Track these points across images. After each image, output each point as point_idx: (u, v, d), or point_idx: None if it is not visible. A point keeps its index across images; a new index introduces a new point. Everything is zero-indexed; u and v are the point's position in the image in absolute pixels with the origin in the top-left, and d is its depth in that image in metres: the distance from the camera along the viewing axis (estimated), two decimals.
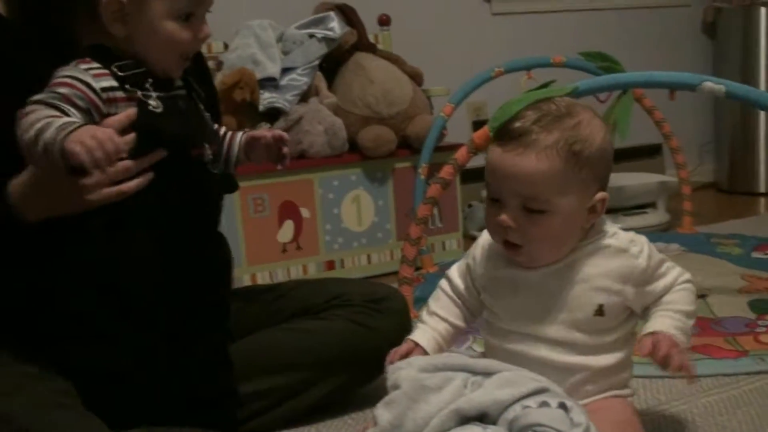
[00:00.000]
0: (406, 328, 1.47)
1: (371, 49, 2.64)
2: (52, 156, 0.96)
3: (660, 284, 1.13)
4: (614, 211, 2.79)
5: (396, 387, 1.06)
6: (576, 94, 1.65)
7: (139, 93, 1.07)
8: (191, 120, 1.13)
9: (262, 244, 2.33)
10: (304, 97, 2.47)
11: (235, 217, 2.28)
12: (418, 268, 2.29)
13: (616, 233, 1.14)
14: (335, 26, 2.51)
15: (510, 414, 0.98)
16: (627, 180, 2.86)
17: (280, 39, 2.53)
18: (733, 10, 3.50)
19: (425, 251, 2.48)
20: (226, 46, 2.54)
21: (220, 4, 2.73)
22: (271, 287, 1.49)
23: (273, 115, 2.41)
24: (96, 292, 1.08)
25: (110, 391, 1.11)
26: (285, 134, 1.23)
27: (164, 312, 1.11)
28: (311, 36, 2.50)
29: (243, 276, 2.31)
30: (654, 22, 3.53)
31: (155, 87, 1.09)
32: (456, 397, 1.02)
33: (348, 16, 2.61)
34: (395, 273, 2.01)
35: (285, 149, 1.22)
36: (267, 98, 2.40)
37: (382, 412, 1.03)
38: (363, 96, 2.50)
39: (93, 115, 1.04)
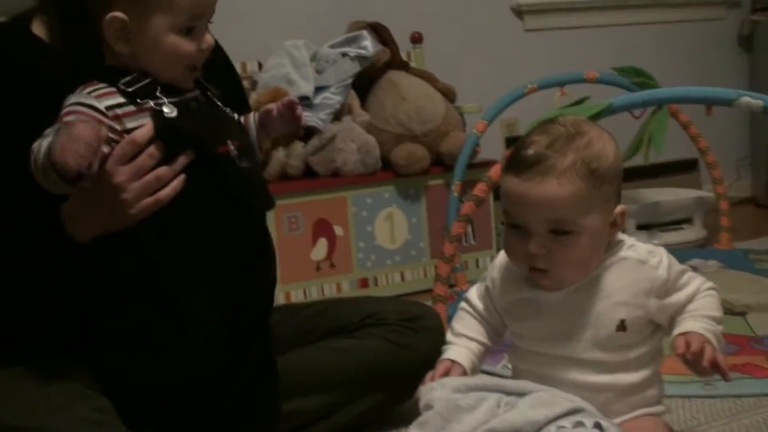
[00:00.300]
0: (441, 346, 1.46)
1: (404, 66, 2.65)
2: (54, 179, 0.98)
3: (682, 294, 1.11)
4: (650, 227, 2.76)
5: (429, 407, 1.05)
6: (611, 110, 1.64)
7: (151, 103, 1.08)
8: (208, 119, 1.13)
9: (296, 262, 2.34)
10: (337, 116, 2.48)
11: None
12: (451, 286, 2.28)
13: (633, 245, 1.13)
14: (368, 45, 2.52)
15: None
16: (663, 195, 2.83)
17: (313, 58, 2.55)
18: None
19: (459, 269, 2.47)
20: (260, 66, 2.57)
21: (255, 25, 2.79)
22: (305, 305, 1.50)
23: (306, 133, 2.43)
24: (151, 303, 1.09)
25: (161, 404, 1.11)
26: (294, 98, 1.22)
27: (219, 321, 1.11)
28: (344, 55, 2.52)
29: (277, 294, 2.31)
30: (688, 36, 3.50)
31: (166, 94, 1.10)
32: (489, 417, 1.01)
33: (381, 34, 2.63)
34: (429, 291, 2.01)
35: (298, 111, 1.22)
36: None
37: None
38: (396, 114, 2.51)
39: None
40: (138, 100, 1.08)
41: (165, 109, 1.09)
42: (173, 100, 1.10)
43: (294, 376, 1.33)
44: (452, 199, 2.36)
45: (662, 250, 1.13)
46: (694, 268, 2.35)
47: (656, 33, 3.43)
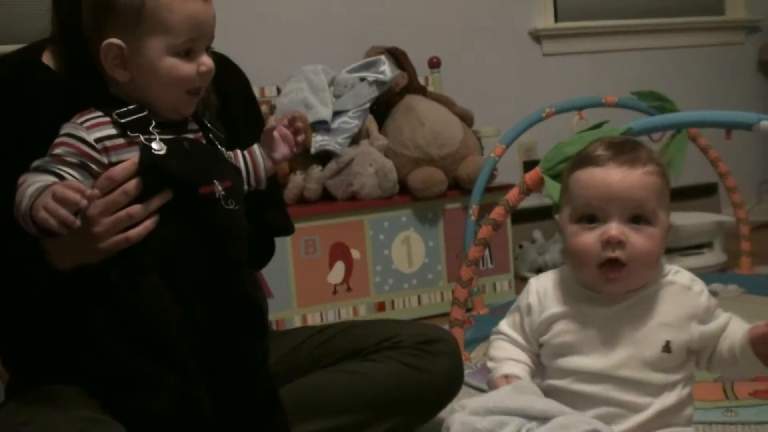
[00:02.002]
0: (458, 370, 1.45)
1: (422, 91, 2.66)
2: (34, 230, 0.99)
3: (716, 324, 1.13)
4: (670, 251, 2.74)
5: (447, 430, 1.04)
6: (630, 134, 1.64)
7: (141, 137, 1.08)
8: (198, 158, 1.12)
9: (312, 285, 2.34)
10: (355, 140, 2.49)
11: (287, 258, 2.29)
12: (468, 310, 2.27)
13: (678, 271, 1.16)
14: (386, 69, 2.54)
15: None
16: (683, 219, 2.81)
17: (332, 83, 2.57)
18: None
19: (476, 292, 2.46)
20: (278, 91, 2.59)
21: (274, 50, 2.81)
22: (322, 328, 1.49)
23: (324, 157, 2.44)
24: (131, 337, 1.07)
25: None
26: (297, 114, 1.22)
27: (194, 355, 1.08)
28: (362, 79, 2.53)
29: (294, 317, 2.32)
30: (707, 61, 3.49)
31: (163, 129, 1.10)
32: None
33: (399, 59, 2.65)
34: (446, 314, 2.00)
35: (298, 124, 1.22)
36: (319, 141, 2.43)
37: None
38: (413, 138, 2.51)
39: (90, 167, 1.06)
40: (129, 133, 1.08)
41: (154, 145, 1.09)
42: (165, 137, 1.10)
43: (309, 399, 1.32)
44: (470, 222, 2.36)
45: (700, 281, 1.16)
46: (715, 293, 2.34)
47: (675, 58, 3.43)
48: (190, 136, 1.15)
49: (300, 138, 1.27)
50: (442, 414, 1.48)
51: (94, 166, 1.07)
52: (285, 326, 2.26)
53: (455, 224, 2.50)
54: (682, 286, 1.14)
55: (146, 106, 1.11)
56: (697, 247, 2.82)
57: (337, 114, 2.49)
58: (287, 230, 1.48)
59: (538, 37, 3.22)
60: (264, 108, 2.47)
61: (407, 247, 2.46)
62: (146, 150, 1.08)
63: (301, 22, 2.81)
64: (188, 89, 1.12)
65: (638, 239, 1.09)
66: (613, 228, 1.09)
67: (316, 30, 2.82)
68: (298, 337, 1.46)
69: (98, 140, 1.07)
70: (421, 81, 2.74)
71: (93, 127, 1.07)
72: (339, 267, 2.39)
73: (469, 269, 1.88)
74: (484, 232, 1.85)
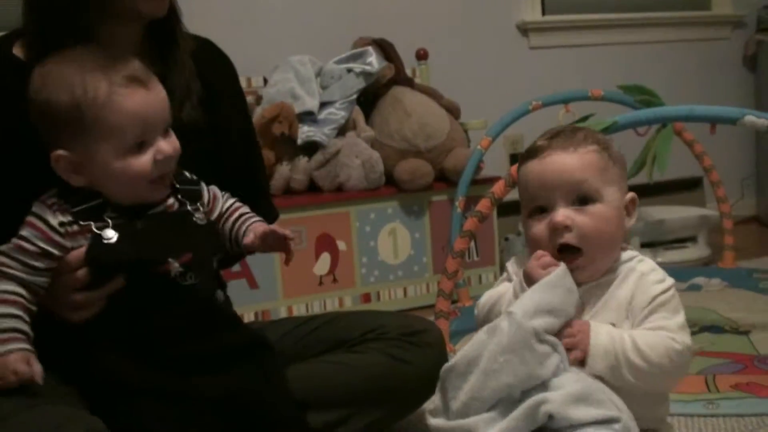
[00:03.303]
0: (443, 362, 1.45)
1: (409, 83, 2.66)
2: None
3: (654, 318, 1.10)
4: (654, 245, 2.75)
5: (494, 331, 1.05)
6: (615, 128, 1.64)
7: (93, 226, 1.09)
8: (153, 239, 1.12)
9: (298, 276, 2.34)
10: (341, 131, 2.49)
11: None
12: (454, 302, 2.28)
13: (643, 260, 1.16)
14: (373, 61, 2.53)
15: None
16: (667, 213, 2.82)
17: (318, 74, 2.56)
18: None
19: (462, 284, 2.47)
20: (265, 81, 2.58)
21: (261, 40, 2.80)
22: (307, 319, 1.49)
23: (311, 148, 2.43)
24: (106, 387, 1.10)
25: None
26: (291, 235, 1.23)
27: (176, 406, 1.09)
28: (349, 70, 2.53)
29: (279, 308, 2.32)
30: (693, 56, 3.51)
31: (120, 213, 1.11)
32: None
33: (386, 50, 2.64)
34: (431, 306, 2.00)
35: (290, 242, 1.23)
36: (305, 132, 2.42)
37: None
38: (400, 129, 2.51)
39: (51, 253, 1.08)
40: (81, 222, 1.09)
41: (107, 232, 1.09)
42: (119, 222, 1.10)
43: (294, 390, 1.32)
44: (456, 214, 2.36)
45: (663, 272, 1.15)
46: (698, 287, 2.36)
47: (661, 52, 3.44)
48: (157, 209, 1.14)
49: (283, 254, 1.26)
50: (426, 405, 1.48)
51: (56, 252, 1.09)
52: (271, 317, 2.26)
53: (441, 216, 2.50)
54: (640, 273, 1.13)
55: (111, 199, 1.11)
56: (682, 241, 2.84)
57: (323, 105, 2.49)
58: (270, 217, 1.48)
59: (525, 30, 3.22)
60: (250, 99, 2.46)
61: (393, 239, 2.47)
62: (96, 239, 1.09)
63: (288, 12, 2.80)
64: (150, 180, 1.11)
65: (584, 219, 1.10)
66: (558, 214, 1.10)
67: (303, 20, 2.81)
68: (283, 327, 1.46)
69: (61, 224, 1.09)
70: (409, 73, 2.74)
71: (57, 212, 1.09)
72: (325, 258, 2.39)
73: (455, 261, 1.88)
74: (470, 224, 1.85)
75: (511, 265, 1.22)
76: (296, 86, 2.49)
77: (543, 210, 1.13)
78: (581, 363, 1.07)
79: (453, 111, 2.66)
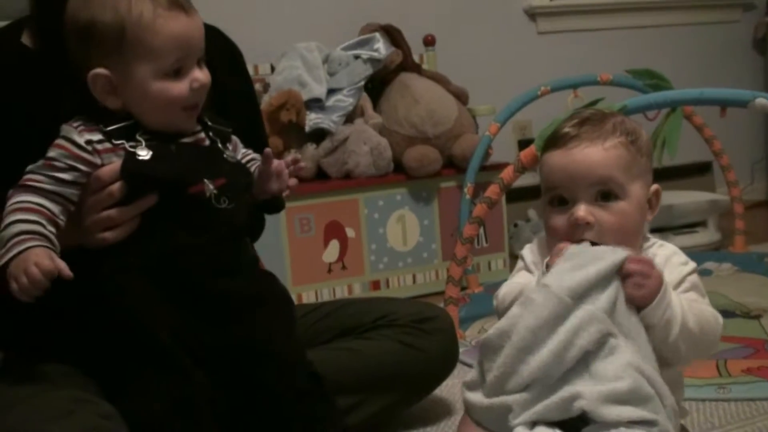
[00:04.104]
0: (453, 348, 1.46)
1: (416, 69, 2.65)
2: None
3: (689, 296, 1.08)
4: (664, 230, 2.74)
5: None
6: (625, 112, 1.63)
7: (127, 144, 1.09)
8: (186, 160, 1.12)
9: (307, 264, 2.34)
10: (349, 118, 2.48)
11: (281, 237, 2.29)
12: (463, 288, 2.28)
13: (663, 245, 1.14)
14: (380, 47, 2.52)
15: None
16: (677, 198, 2.81)
17: (326, 60, 2.55)
18: None
19: (471, 271, 2.47)
20: (272, 69, 2.58)
21: (268, 27, 2.79)
22: (317, 306, 1.49)
23: (319, 135, 2.43)
24: (120, 339, 1.07)
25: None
26: (298, 158, 1.23)
27: (188, 357, 1.07)
28: (357, 57, 2.52)
29: None
30: (702, 39, 3.48)
31: (152, 136, 1.10)
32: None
33: (393, 36, 2.63)
34: (441, 293, 2.00)
35: (300, 164, 1.24)
36: (313, 119, 2.42)
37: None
38: (408, 116, 2.50)
39: (80, 168, 1.07)
40: (113, 141, 1.09)
41: (139, 151, 1.09)
42: (152, 143, 1.10)
43: None
44: (464, 201, 2.36)
45: (685, 256, 1.13)
46: (709, 272, 2.35)
47: (670, 36, 3.41)
48: (188, 140, 1.14)
49: (292, 182, 1.26)
50: (437, 392, 1.49)
51: (84, 168, 1.08)
52: None
53: (450, 203, 2.49)
54: (665, 257, 1.10)
55: (142, 122, 1.10)
56: (692, 226, 2.83)
57: (331, 92, 2.48)
58: (278, 207, 1.47)
59: (533, 14, 3.20)
60: (258, 86, 2.46)
61: (402, 226, 2.46)
62: (130, 156, 1.09)
63: None
64: (184, 107, 1.11)
65: (607, 217, 1.07)
66: (580, 209, 1.07)
67: (310, 7, 2.80)
68: None
69: (88, 142, 1.08)
70: (416, 59, 2.72)
71: (83, 132, 1.08)
72: (334, 245, 2.38)
73: (464, 247, 1.88)
74: (478, 211, 1.85)
75: (527, 254, 1.18)
76: (303, 73, 2.48)
77: (563, 201, 1.10)
78: (638, 307, 1.03)
79: (461, 97, 2.65)
